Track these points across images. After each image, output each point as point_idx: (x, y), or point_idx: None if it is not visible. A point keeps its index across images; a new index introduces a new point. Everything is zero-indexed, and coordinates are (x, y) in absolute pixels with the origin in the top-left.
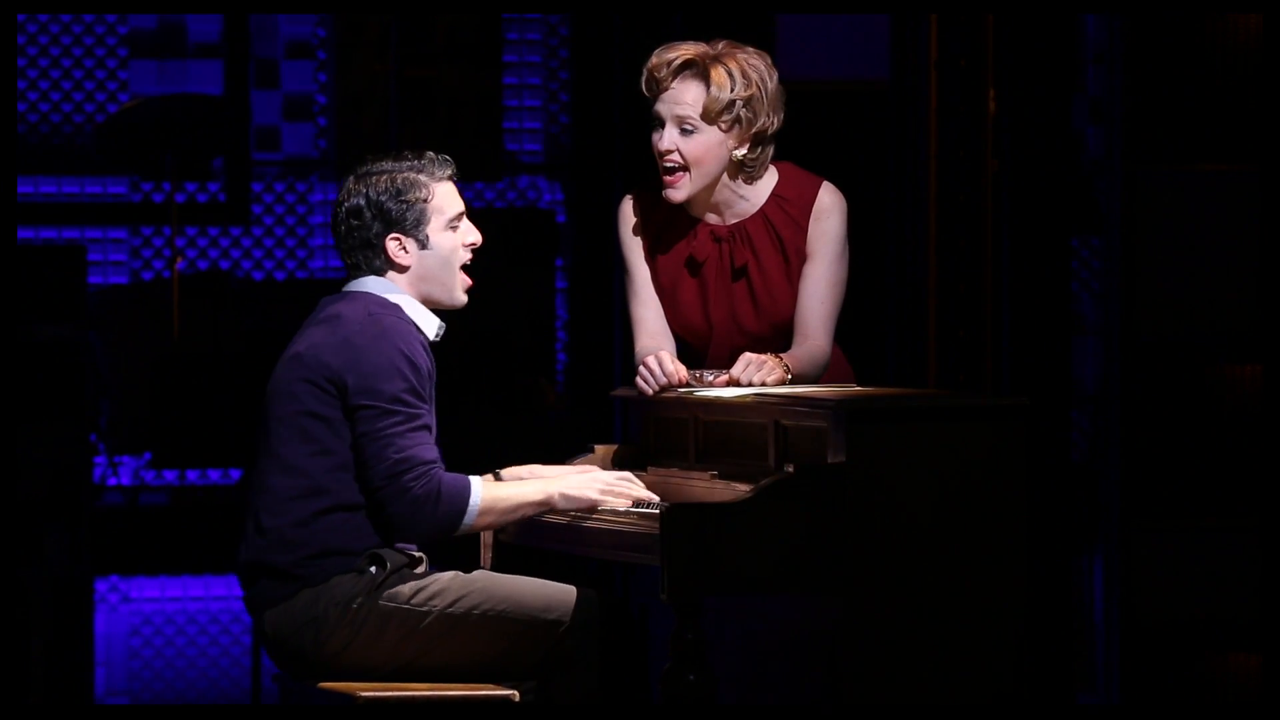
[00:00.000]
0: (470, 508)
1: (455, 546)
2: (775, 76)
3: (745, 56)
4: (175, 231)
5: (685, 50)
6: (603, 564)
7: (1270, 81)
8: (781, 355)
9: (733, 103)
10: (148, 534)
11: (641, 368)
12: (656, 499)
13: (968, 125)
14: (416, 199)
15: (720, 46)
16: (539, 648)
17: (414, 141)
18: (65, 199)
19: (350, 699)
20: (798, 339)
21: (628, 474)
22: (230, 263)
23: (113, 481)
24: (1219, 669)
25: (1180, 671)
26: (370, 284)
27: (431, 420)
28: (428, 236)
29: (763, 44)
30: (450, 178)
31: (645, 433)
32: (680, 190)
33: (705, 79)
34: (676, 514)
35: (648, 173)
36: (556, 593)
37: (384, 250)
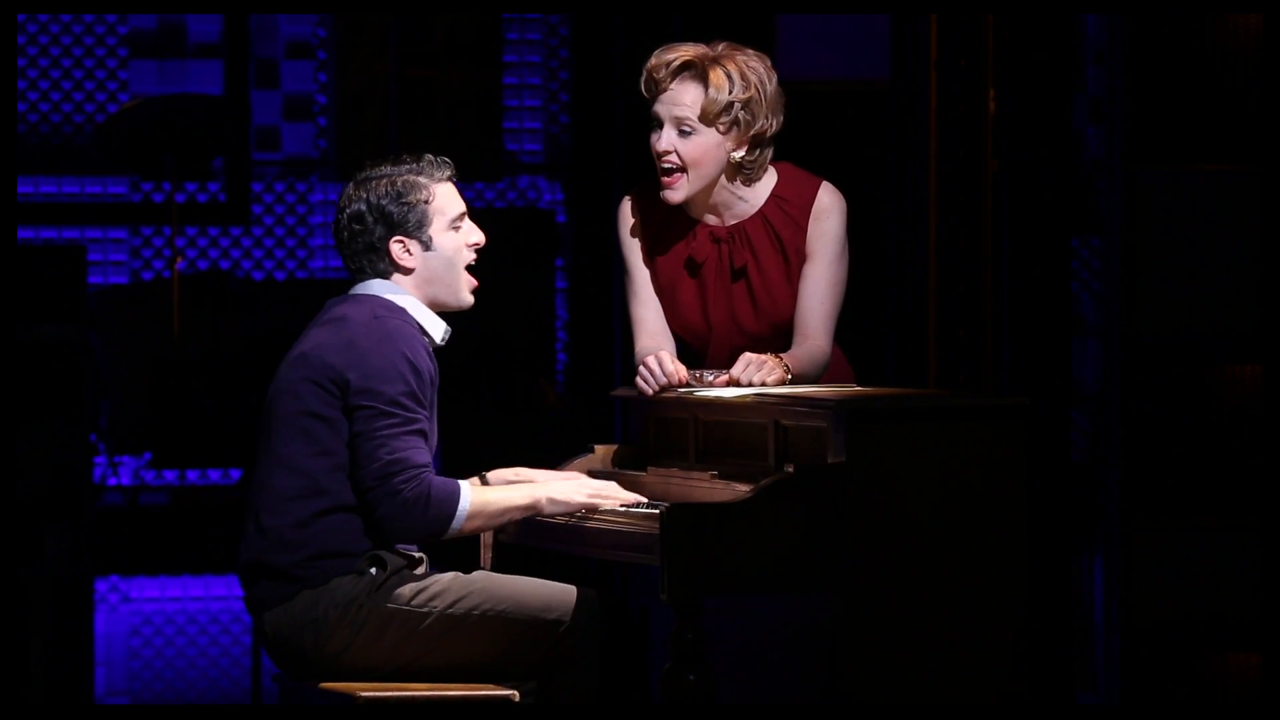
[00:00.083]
0: (459, 512)
1: (455, 547)
2: (774, 78)
3: (744, 58)
4: (175, 231)
5: (684, 51)
6: (603, 564)
7: (1270, 81)
8: (781, 355)
9: (731, 104)
10: (148, 534)
11: (641, 368)
12: (644, 500)
13: (968, 125)
14: (417, 200)
15: (720, 48)
16: (539, 648)
17: (414, 141)
18: (65, 199)
19: (350, 699)
20: (797, 339)
21: (612, 482)
22: (230, 263)
23: (113, 481)
24: (1219, 669)
25: (1180, 671)
26: (375, 286)
27: (428, 426)
28: (431, 238)
29: (762, 44)
30: (450, 179)
31: (645, 433)
32: (678, 191)
33: (704, 80)
34: (676, 514)
35: (647, 173)
36: (556, 593)
37: (388, 253)
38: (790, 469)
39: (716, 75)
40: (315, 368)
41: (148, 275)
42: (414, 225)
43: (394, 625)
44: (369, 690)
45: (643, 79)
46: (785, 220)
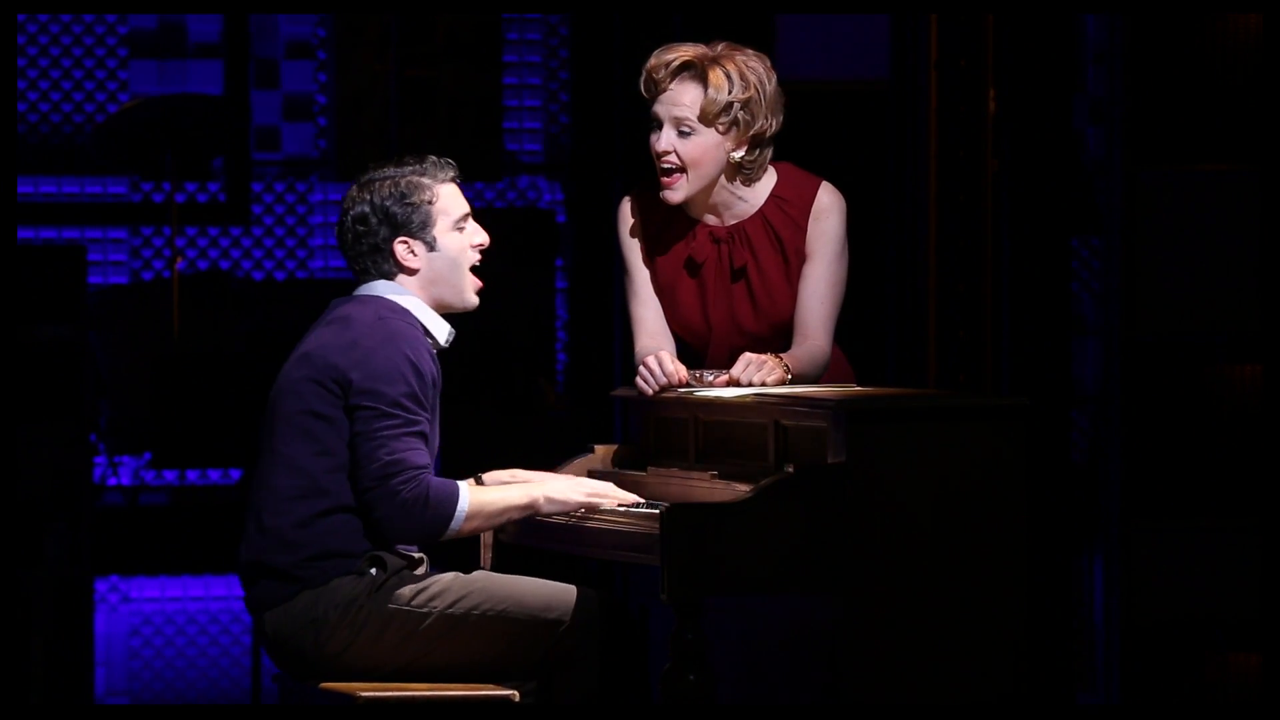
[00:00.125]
0: (457, 513)
1: (455, 547)
2: (774, 79)
3: (744, 59)
4: (175, 231)
5: (684, 52)
6: (603, 564)
7: (1270, 81)
8: (781, 355)
9: (730, 105)
10: (148, 534)
11: (641, 368)
12: (641, 500)
13: (968, 125)
14: (421, 201)
15: (719, 48)
16: (539, 647)
17: (414, 141)
18: (65, 199)
19: (350, 699)
20: (797, 339)
21: (609, 482)
22: (230, 263)
23: (113, 481)
24: (1219, 669)
25: (1180, 671)
26: (380, 288)
27: (429, 428)
28: (435, 238)
29: (762, 44)
30: (453, 180)
31: (645, 433)
32: (677, 191)
33: (703, 81)
34: (676, 514)
35: (647, 173)
36: (556, 592)
37: (392, 254)
38: (790, 469)
39: (716, 75)
40: (318, 367)
41: (148, 275)
42: (418, 226)
43: (394, 625)
44: (369, 690)
45: (642, 79)
46: (785, 220)
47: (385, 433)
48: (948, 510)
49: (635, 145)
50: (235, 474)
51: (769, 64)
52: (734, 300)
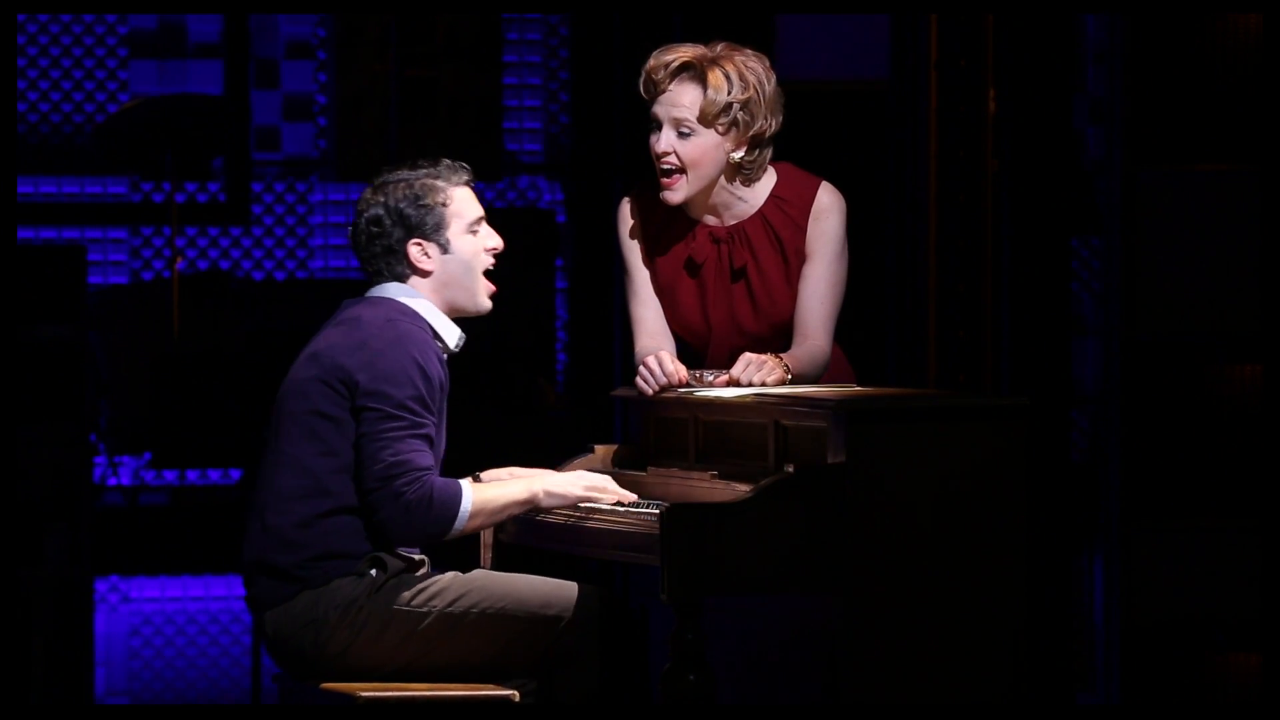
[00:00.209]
0: (461, 512)
1: (455, 547)
2: (773, 79)
3: (743, 59)
4: (175, 231)
5: (683, 52)
6: (603, 564)
7: (1270, 81)
8: (781, 355)
9: (729, 105)
10: (148, 534)
11: (641, 368)
12: (636, 498)
13: (968, 125)
14: (435, 203)
15: (719, 48)
16: (539, 644)
17: (414, 141)
18: (65, 199)
19: (350, 699)
20: (797, 339)
21: (607, 477)
22: (230, 263)
23: (113, 481)
24: (1219, 669)
25: (1180, 671)
26: (392, 290)
27: (434, 432)
28: (448, 241)
29: (762, 44)
30: (468, 183)
31: (645, 433)
32: (677, 192)
33: (702, 81)
34: (676, 514)
35: (647, 173)
36: (555, 589)
37: (406, 256)
38: (790, 469)
39: (715, 76)
40: (326, 367)
41: (148, 275)
42: (431, 228)
43: (394, 626)
44: (369, 690)
45: (641, 80)
46: (785, 220)
47: (390, 434)
48: (948, 510)
49: (635, 145)
50: (235, 474)
51: (768, 64)
52: (734, 300)
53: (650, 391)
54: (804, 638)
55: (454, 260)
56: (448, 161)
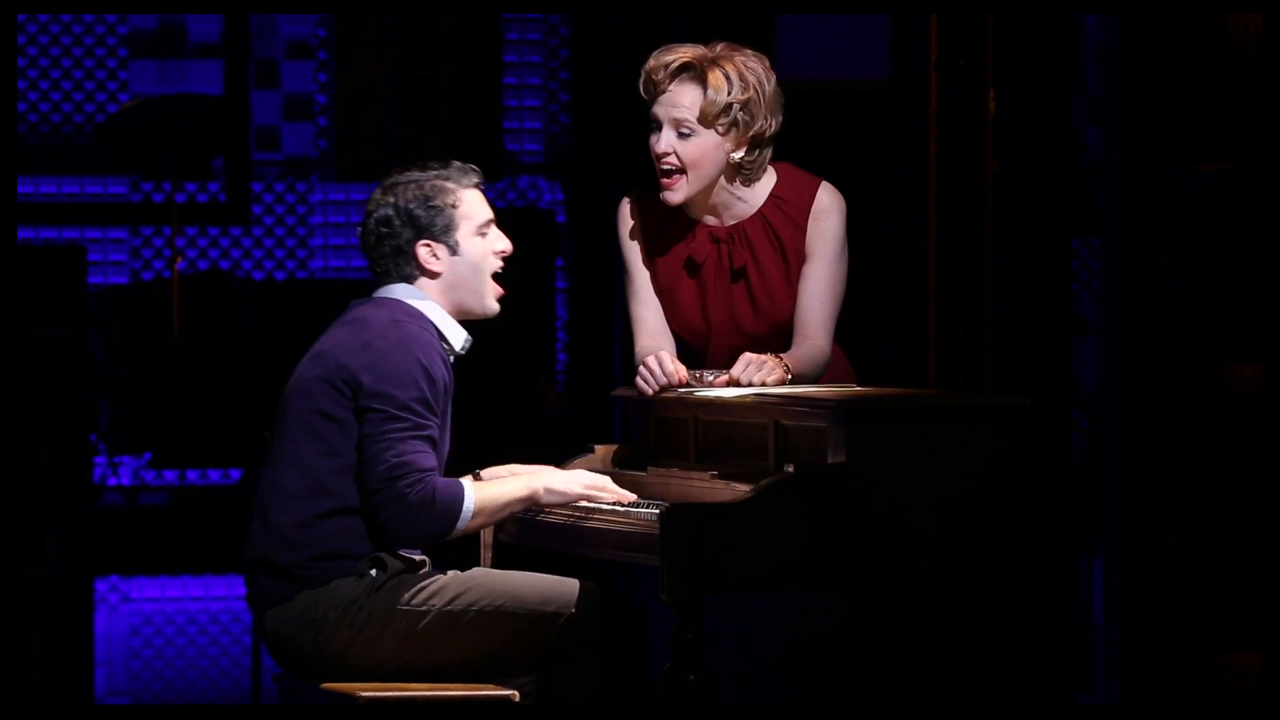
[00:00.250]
0: (464, 512)
1: (455, 546)
2: (773, 79)
3: (743, 59)
4: (175, 231)
5: (683, 53)
6: (603, 564)
7: (1270, 81)
8: (781, 355)
9: (730, 106)
10: (148, 534)
11: (641, 368)
12: (635, 498)
13: (968, 125)
14: (445, 204)
15: (718, 49)
16: (539, 641)
17: (414, 141)
18: (65, 199)
19: (350, 699)
20: (797, 339)
21: (606, 477)
22: (230, 263)
23: (113, 481)
24: (1219, 669)
25: (1180, 671)
26: (399, 291)
27: (438, 433)
28: (457, 242)
29: (762, 44)
30: (477, 185)
31: (645, 433)
32: (677, 192)
33: (702, 82)
34: (676, 514)
35: (647, 173)
36: (554, 585)
37: (414, 257)
38: (790, 469)
39: (715, 76)
40: (330, 367)
41: (148, 275)
42: (441, 229)
43: (393, 626)
44: (369, 690)
45: (641, 80)
46: (785, 220)
47: (393, 435)
48: (948, 510)
49: (635, 145)
50: (235, 474)
51: (768, 64)
52: (734, 300)
53: (650, 391)
54: (804, 638)
55: (462, 262)
56: (458, 163)
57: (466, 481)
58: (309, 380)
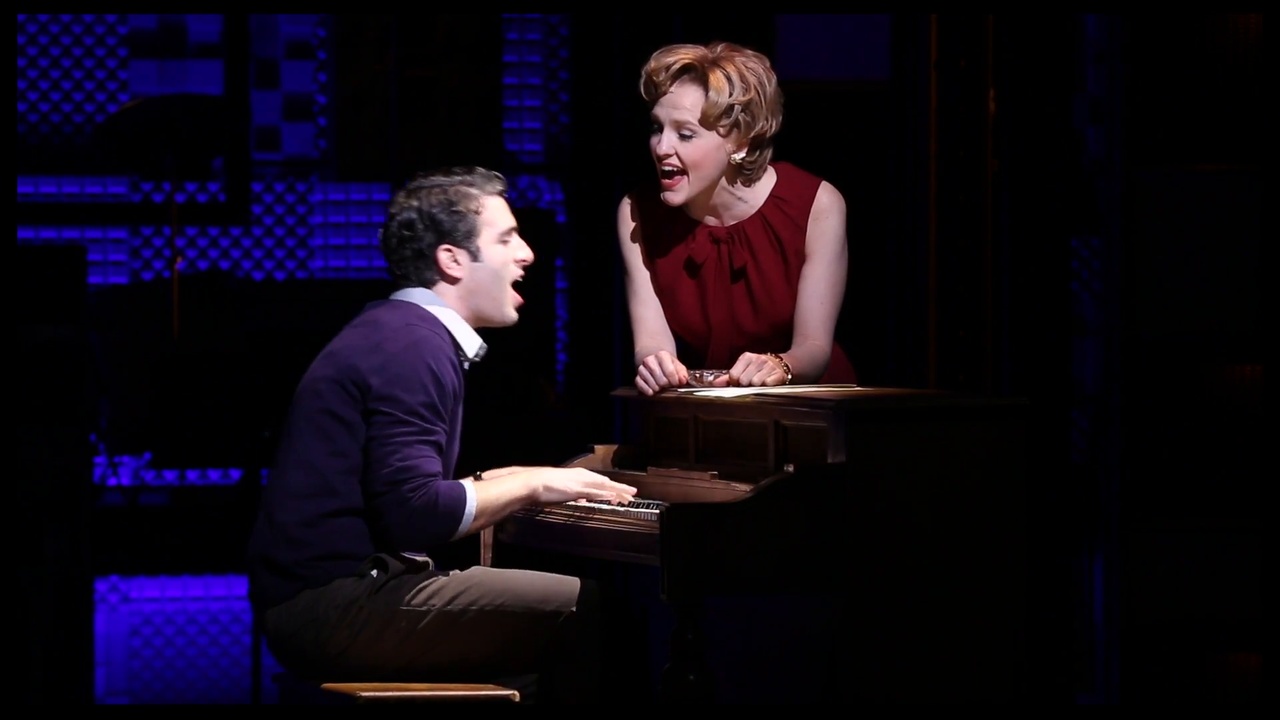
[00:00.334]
0: (466, 515)
1: (455, 546)
2: (774, 79)
3: (744, 60)
4: (175, 231)
5: (684, 54)
6: (603, 564)
7: (1270, 81)
8: (781, 355)
9: (731, 107)
10: (148, 534)
11: (641, 368)
12: (635, 491)
13: (968, 125)
14: (468, 210)
15: (719, 49)
16: (539, 640)
17: (414, 141)
18: (65, 199)
19: (350, 699)
20: (798, 339)
21: (604, 477)
22: (230, 263)
23: (113, 481)
24: (1219, 669)
25: (1180, 671)
26: (416, 295)
27: (445, 439)
28: (479, 249)
29: (763, 44)
30: (501, 193)
31: (645, 433)
32: (678, 193)
33: (704, 83)
34: (676, 514)
35: (647, 173)
36: (554, 584)
37: (435, 261)
38: (790, 469)
39: (716, 78)
40: (341, 368)
41: (148, 275)
42: (463, 235)
43: (393, 626)
44: (369, 690)
45: (642, 82)
46: (784, 220)
47: (399, 439)
48: (948, 510)
49: (635, 145)
50: (235, 474)
51: (768, 65)
52: (734, 300)
53: (650, 391)
54: (804, 638)
55: (483, 269)
56: (482, 170)
57: (468, 483)
58: (319, 380)
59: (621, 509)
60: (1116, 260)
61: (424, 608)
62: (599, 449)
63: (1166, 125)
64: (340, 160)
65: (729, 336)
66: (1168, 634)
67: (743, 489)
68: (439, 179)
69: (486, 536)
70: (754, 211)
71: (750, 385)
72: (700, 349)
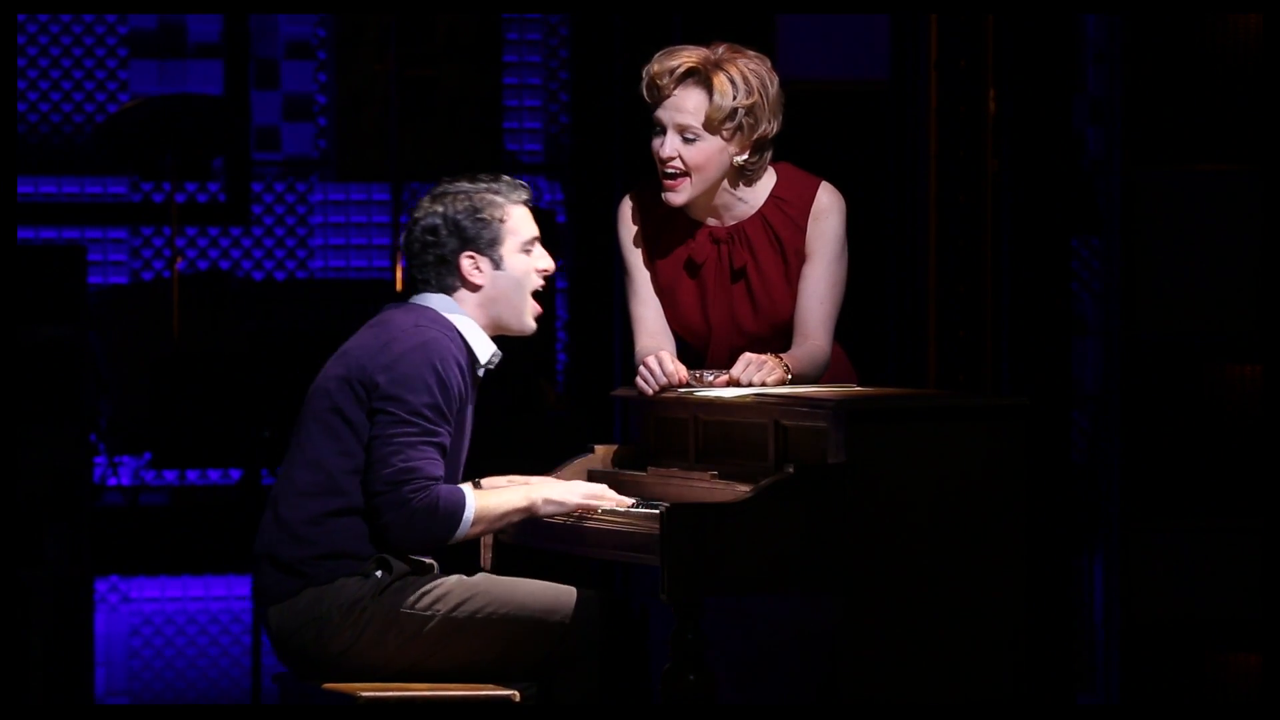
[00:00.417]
0: (464, 521)
1: (456, 548)
2: (776, 81)
3: (746, 62)
4: (175, 231)
5: (687, 57)
6: (603, 564)
7: (1270, 81)
8: (781, 355)
9: (735, 111)
10: (148, 534)
11: (642, 368)
12: (634, 503)
13: (968, 125)
14: (493, 218)
15: (721, 51)
16: (541, 649)
17: (414, 141)
18: (65, 199)
19: (350, 699)
20: (798, 339)
21: (603, 486)
22: (230, 263)
23: (113, 481)
24: (1219, 669)
25: (1180, 671)
26: (433, 300)
27: (449, 441)
28: (502, 257)
29: (763, 44)
30: (526, 202)
31: (645, 433)
32: (680, 194)
33: (708, 87)
34: (676, 514)
35: (647, 173)
36: (558, 594)
37: (458, 268)
38: (790, 469)
39: (721, 81)
40: (350, 366)
41: (148, 275)
42: (486, 243)
43: (397, 628)
44: (369, 690)
45: (644, 84)
46: (784, 221)
47: (402, 439)
48: (948, 510)
49: (635, 145)
50: (235, 474)
51: (770, 66)
52: (734, 300)
53: (650, 391)
54: (804, 638)
55: (505, 277)
56: (508, 178)
57: (468, 488)
58: (330, 379)
59: (621, 509)
60: (1116, 260)
61: (428, 612)
62: (599, 449)
63: (1166, 125)
64: (340, 160)
65: (729, 336)
66: (1168, 634)
67: (743, 489)
68: (465, 185)
69: (487, 537)
70: (754, 212)
71: (750, 385)
72: (700, 349)
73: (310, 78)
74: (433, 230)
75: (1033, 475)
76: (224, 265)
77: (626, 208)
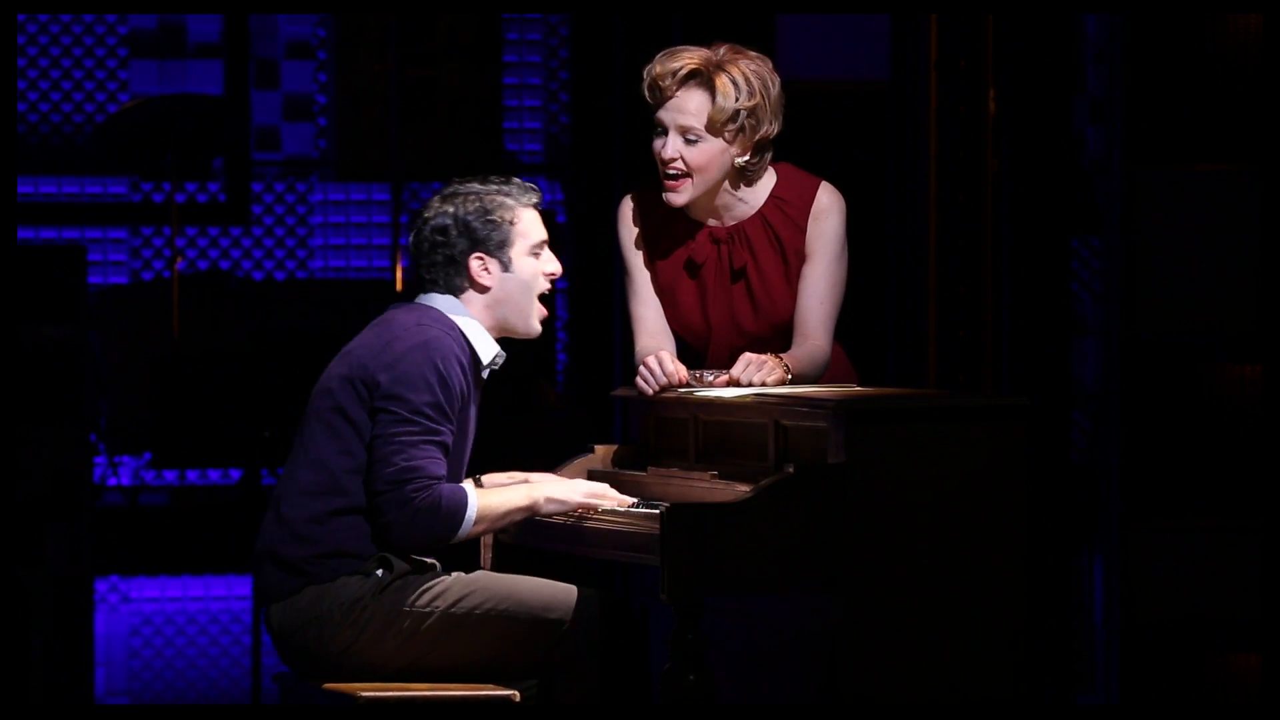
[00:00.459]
0: (466, 520)
1: (456, 547)
2: (778, 82)
3: (748, 63)
4: (175, 231)
5: (690, 59)
6: (603, 564)
7: (1270, 81)
8: (781, 355)
9: (737, 113)
10: (148, 534)
11: (642, 368)
12: (635, 502)
13: (968, 125)
14: (503, 220)
15: (723, 52)
16: (540, 647)
17: (414, 141)
18: (65, 199)
19: (351, 699)
20: (798, 339)
21: (605, 485)
22: (230, 263)
23: (113, 481)
24: (1219, 669)
25: (1180, 671)
26: (438, 300)
27: (450, 439)
28: (510, 259)
29: (763, 44)
30: (535, 205)
31: (645, 433)
32: (681, 195)
33: (710, 89)
34: (676, 514)
35: (647, 173)
36: (557, 592)
37: (466, 269)
38: (790, 469)
39: (723, 83)
40: (353, 365)
41: (148, 275)
42: (496, 244)
43: (396, 626)
44: (370, 690)
45: (646, 85)
46: (784, 221)
47: (403, 438)
48: (948, 510)
49: (635, 145)
50: (235, 474)
51: (771, 67)
52: (734, 300)
53: (650, 391)
54: (804, 638)
55: (513, 279)
56: (518, 180)
57: (469, 487)
58: (333, 378)
59: (622, 509)
60: (1116, 260)
61: (428, 609)
62: (599, 449)
63: (1166, 125)
64: (340, 160)
65: (729, 336)
66: (1168, 634)
67: (743, 489)
68: (475, 186)
69: (487, 537)
70: (754, 212)
71: (750, 385)
72: (700, 349)
73: (310, 78)
74: (443, 230)
75: (1033, 475)
76: (224, 265)
77: (627, 208)
